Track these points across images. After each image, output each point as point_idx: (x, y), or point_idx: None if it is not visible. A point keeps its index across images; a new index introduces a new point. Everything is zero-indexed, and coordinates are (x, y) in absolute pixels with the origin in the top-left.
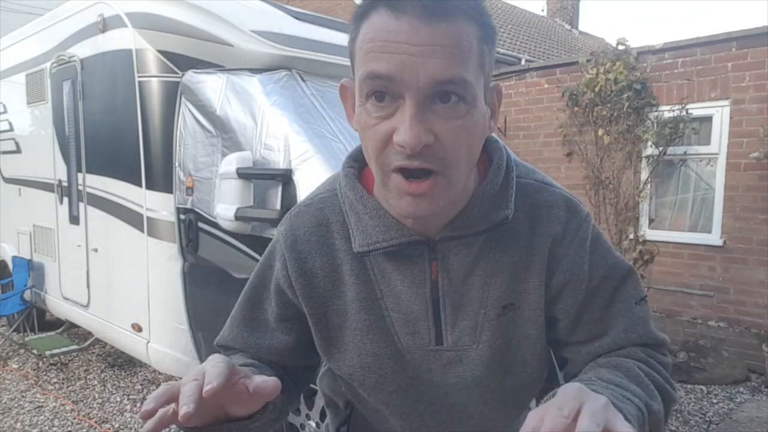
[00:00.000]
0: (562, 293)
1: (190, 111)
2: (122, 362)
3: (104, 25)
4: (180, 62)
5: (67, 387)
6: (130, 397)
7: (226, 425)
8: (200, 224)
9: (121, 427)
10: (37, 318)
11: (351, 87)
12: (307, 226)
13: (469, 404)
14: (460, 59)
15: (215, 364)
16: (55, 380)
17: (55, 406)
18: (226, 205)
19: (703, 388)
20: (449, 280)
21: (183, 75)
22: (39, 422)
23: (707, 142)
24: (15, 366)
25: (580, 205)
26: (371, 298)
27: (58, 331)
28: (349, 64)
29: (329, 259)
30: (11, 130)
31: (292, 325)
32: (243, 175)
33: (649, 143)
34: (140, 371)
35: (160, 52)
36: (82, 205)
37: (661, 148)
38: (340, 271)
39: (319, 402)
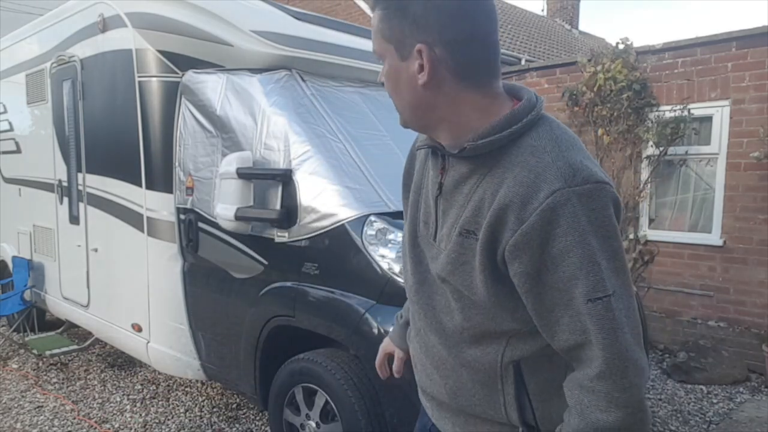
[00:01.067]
0: (518, 257)
1: (190, 111)
2: (122, 362)
3: (104, 25)
4: (180, 62)
5: (67, 387)
6: (130, 397)
7: None
8: (200, 224)
9: (121, 427)
10: (37, 318)
11: None
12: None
13: (442, 309)
14: (374, 38)
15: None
16: (55, 380)
17: (55, 406)
18: (226, 205)
19: (703, 388)
20: (446, 187)
21: (183, 75)
22: (39, 422)
23: (707, 142)
24: (15, 366)
25: (566, 178)
26: (419, 184)
27: (58, 331)
28: (349, 63)
29: (420, 153)
30: (11, 130)
31: None
32: (243, 175)
33: (650, 143)
34: (140, 371)
35: (160, 52)
36: (82, 205)
37: (661, 149)
38: (417, 161)
39: (319, 402)
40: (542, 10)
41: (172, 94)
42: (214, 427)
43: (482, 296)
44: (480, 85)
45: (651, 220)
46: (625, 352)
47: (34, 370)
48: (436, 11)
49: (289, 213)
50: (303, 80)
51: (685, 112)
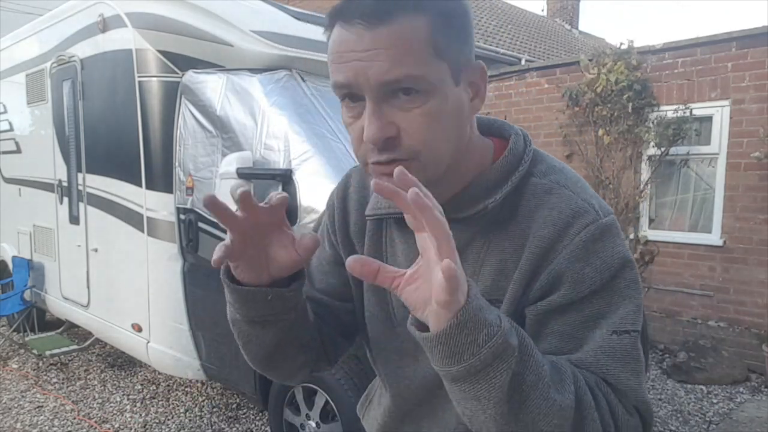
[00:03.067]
0: (542, 295)
1: (190, 111)
2: (122, 362)
3: (104, 25)
4: (180, 62)
5: (67, 387)
6: (130, 397)
7: (266, 289)
8: (200, 224)
9: (121, 427)
10: (37, 318)
11: None
12: (355, 185)
13: (448, 410)
14: (402, 59)
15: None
16: (55, 380)
17: (55, 406)
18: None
19: (703, 388)
20: None
21: (183, 75)
22: (39, 422)
23: (707, 142)
24: (15, 366)
25: (593, 211)
26: (378, 260)
27: (58, 331)
28: None
29: (361, 217)
30: (11, 130)
31: (340, 271)
32: (243, 175)
33: (651, 143)
34: (140, 371)
35: (160, 52)
36: (82, 205)
37: (663, 149)
38: (364, 230)
39: (319, 402)
40: (542, 10)
41: (172, 94)
42: (214, 427)
43: None
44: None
45: (651, 220)
46: (643, 396)
47: (34, 370)
48: (470, 19)
49: (289, 213)
50: (303, 80)
51: (687, 113)
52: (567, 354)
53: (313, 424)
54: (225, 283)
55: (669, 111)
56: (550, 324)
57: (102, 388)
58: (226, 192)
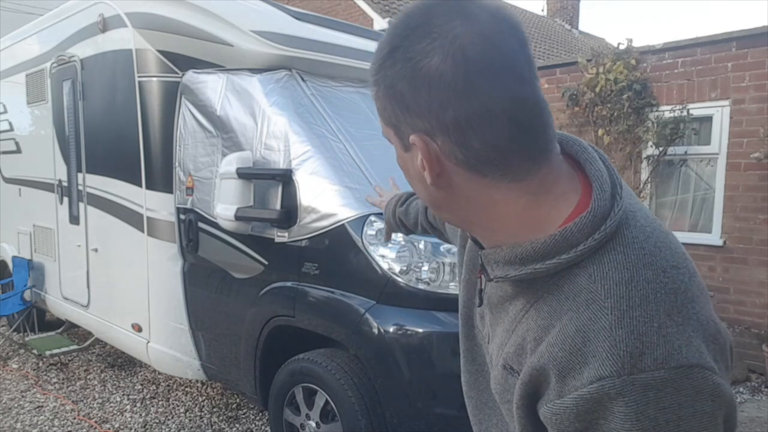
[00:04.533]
0: (548, 425)
1: (190, 111)
2: (122, 362)
3: (104, 25)
4: (180, 62)
5: (67, 387)
6: (130, 397)
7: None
8: (200, 224)
9: (121, 427)
10: (37, 318)
11: None
12: None
13: (493, 422)
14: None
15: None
16: (55, 380)
17: (55, 406)
18: (226, 205)
19: None
20: (491, 299)
21: (183, 75)
22: (39, 422)
23: (707, 142)
24: (15, 366)
25: (617, 364)
26: (468, 279)
27: (58, 331)
28: (349, 63)
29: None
30: (11, 130)
31: None
32: (243, 175)
33: (650, 143)
34: (140, 371)
35: (160, 52)
36: (82, 205)
37: (661, 149)
38: (464, 251)
39: (319, 402)
40: (542, 10)
41: (172, 94)
42: (214, 427)
43: None
44: (513, 177)
45: None
46: None
47: (34, 370)
48: (426, 86)
49: (289, 213)
50: (303, 80)
51: (684, 112)
52: None
53: (313, 424)
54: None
55: (667, 111)
56: None
57: (102, 388)
58: (226, 192)
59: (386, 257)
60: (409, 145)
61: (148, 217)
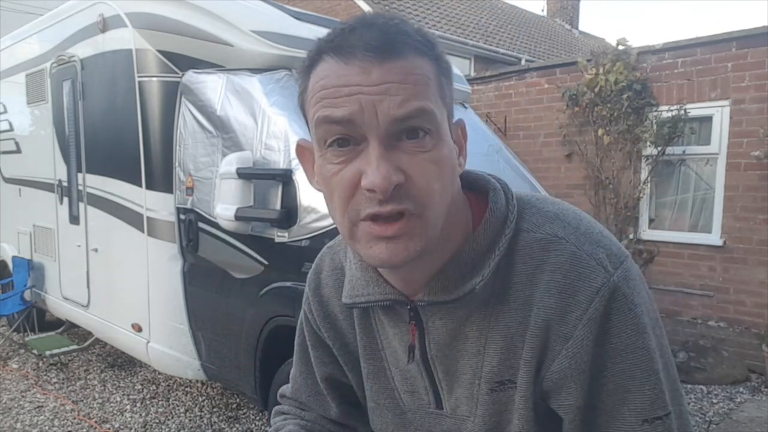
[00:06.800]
0: (564, 386)
1: (190, 111)
2: (122, 362)
3: (104, 25)
4: (180, 62)
5: (67, 387)
6: (130, 397)
7: None
8: (200, 224)
9: (121, 427)
10: (37, 318)
11: (309, 146)
12: (327, 269)
13: None
14: (417, 91)
15: None
16: (55, 380)
17: (55, 406)
18: (226, 205)
19: (703, 388)
20: (436, 344)
21: (183, 75)
22: (39, 422)
23: (707, 142)
24: (15, 366)
25: (602, 269)
26: (373, 348)
27: (58, 331)
28: None
29: (354, 312)
30: (11, 130)
31: (338, 383)
32: (243, 175)
33: (648, 143)
34: (140, 371)
35: (160, 52)
36: (82, 205)
37: (659, 148)
38: (352, 317)
39: None
40: (542, 10)
41: (172, 94)
42: (214, 427)
43: None
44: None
45: (651, 220)
46: None
47: (34, 370)
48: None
49: (289, 213)
50: None
51: (682, 112)
52: None
53: None
54: None
55: (665, 111)
56: (582, 421)
57: (102, 388)
58: (226, 192)
59: None
60: (451, 130)
61: (148, 217)
